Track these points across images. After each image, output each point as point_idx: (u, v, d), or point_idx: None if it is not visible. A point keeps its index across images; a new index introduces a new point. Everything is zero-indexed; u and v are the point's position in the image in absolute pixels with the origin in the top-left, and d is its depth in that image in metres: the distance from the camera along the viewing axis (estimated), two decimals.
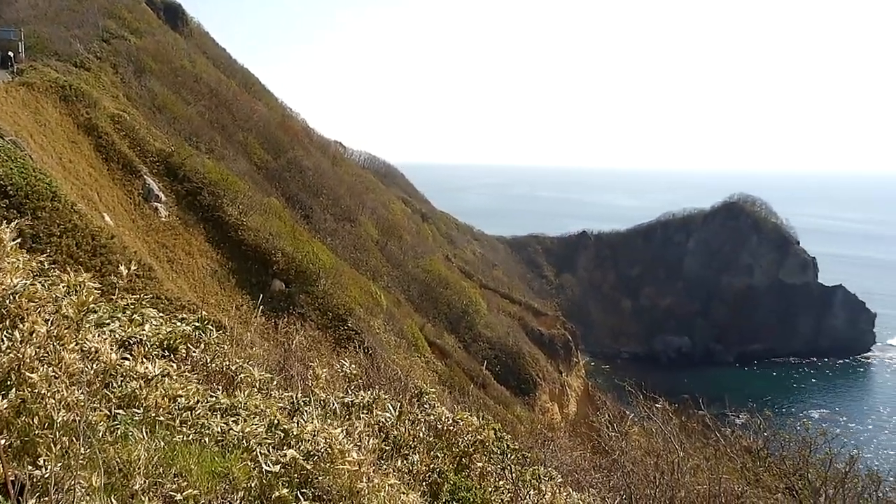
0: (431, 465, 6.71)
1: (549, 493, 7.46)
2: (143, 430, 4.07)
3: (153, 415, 4.29)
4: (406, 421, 7.05)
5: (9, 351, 3.47)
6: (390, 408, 7.11)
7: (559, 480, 9.14)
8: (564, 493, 8.22)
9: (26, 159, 21.90)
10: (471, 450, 7.40)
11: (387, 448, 6.44)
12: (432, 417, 7.49)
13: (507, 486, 7.50)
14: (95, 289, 5.23)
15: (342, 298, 35.85)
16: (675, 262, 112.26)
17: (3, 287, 3.73)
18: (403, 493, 5.65)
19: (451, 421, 7.48)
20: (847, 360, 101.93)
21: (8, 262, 4.00)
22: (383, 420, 6.79)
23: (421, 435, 7.07)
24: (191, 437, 4.38)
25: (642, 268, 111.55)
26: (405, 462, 6.53)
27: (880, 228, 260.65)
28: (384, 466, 6.15)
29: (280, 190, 50.67)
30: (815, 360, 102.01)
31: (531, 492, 7.66)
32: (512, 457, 7.89)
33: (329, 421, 6.06)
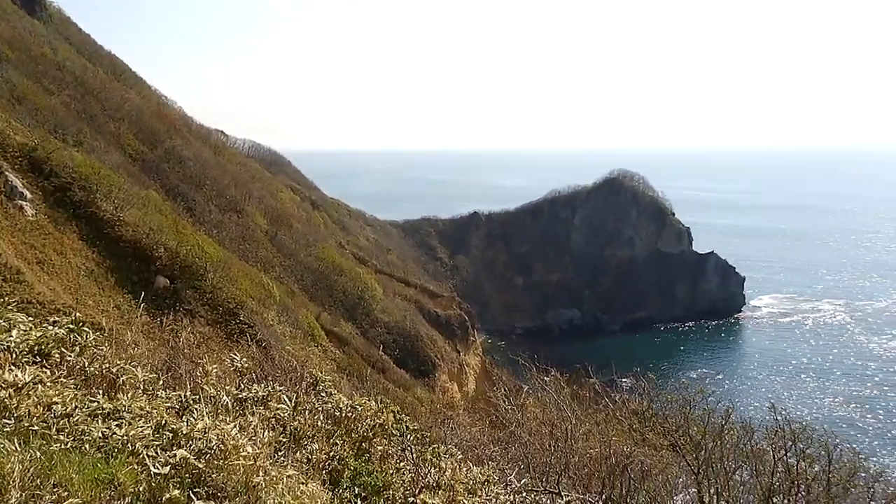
0: (331, 453, 6.67)
1: (450, 470, 7.59)
2: (16, 441, 3.81)
3: (26, 424, 4.02)
4: (303, 411, 6.97)
5: None
6: (286, 399, 7.01)
7: (459, 456, 9.34)
8: (465, 468, 8.40)
9: None
10: (370, 434, 7.41)
11: (284, 440, 6.34)
12: (330, 405, 7.43)
13: (408, 467, 7.58)
14: None
15: (232, 292, 34.74)
16: (563, 237, 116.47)
17: None
18: (302, 483, 5.60)
19: (349, 407, 7.46)
20: (721, 322, 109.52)
21: None
22: (279, 412, 6.68)
23: (319, 424, 7.00)
24: (69, 444, 4.14)
25: (532, 245, 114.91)
26: (303, 452, 6.46)
27: (745, 198, 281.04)
28: (281, 459, 6.06)
29: (159, 182, 48.26)
30: (692, 323, 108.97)
31: (432, 469, 7.78)
32: (411, 437, 7.96)
33: (221, 417, 5.90)
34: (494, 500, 8.09)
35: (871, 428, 68.56)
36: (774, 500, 11.37)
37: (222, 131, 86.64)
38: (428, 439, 8.85)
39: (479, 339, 72.66)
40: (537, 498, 9.79)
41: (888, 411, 72.49)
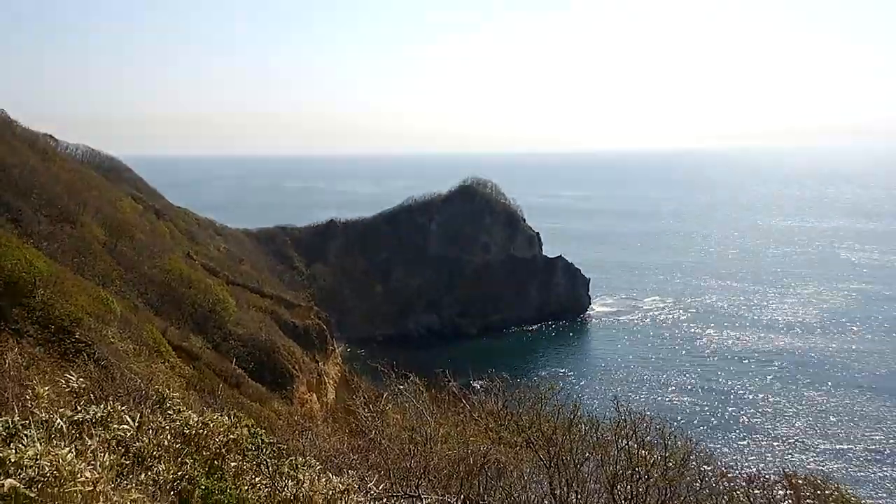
0: (180, 473, 6.36)
1: (308, 481, 7.48)
2: None
3: None
4: (148, 431, 6.59)
5: None
6: (128, 419, 6.60)
7: (318, 467, 9.21)
8: (324, 479, 8.31)
9: None
10: (223, 450, 7.15)
11: (127, 462, 5.97)
12: (178, 423, 7.09)
13: (264, 481, 7.38)
14: None
15: (66, 308, 32.04)
16: (421, 243, 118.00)
17: None
18: None
19: (199, 424, 7.14)
20: (569, 322, 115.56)
21: None
22: (121, 433, 6.28)
23: (166, 443, 6.66)
24: None
25: (391, 251, 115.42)
26: (149, 474, 6.12)
27: (588, 204, 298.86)
28: (125, 482, 5.70)
29: None
30: (543, 324, 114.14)
31: (289, 482, 7.62)
32: (267, 451, 7.77)
33: (55, 442, 5.47)
34: None
35: (701, 415, 75.10)
36: (619, 486, 12.15)
37: (51, 136, 79.74)
38: (285, 452, 8.66)
39: (338, 348, 71.85)
40: (398, 503, 9.87)
41: (717, 398, 79.78)
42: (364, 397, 13.29)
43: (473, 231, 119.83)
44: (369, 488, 9.66)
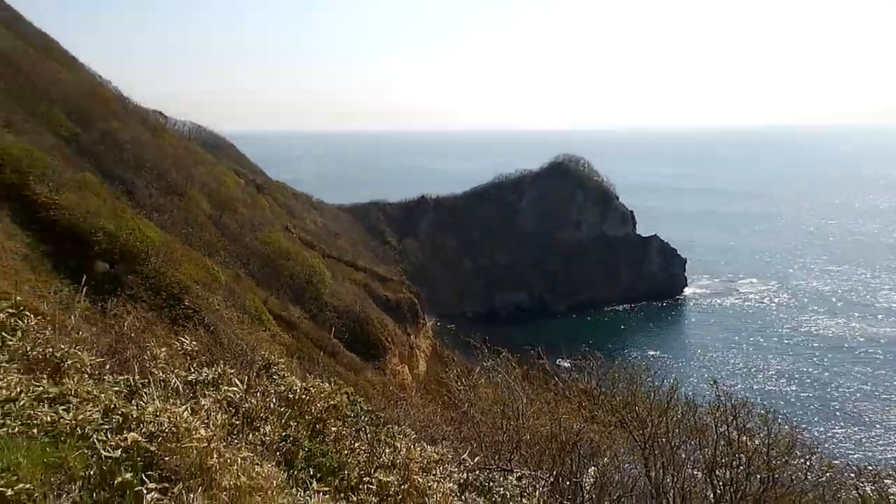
0: (284, 435, 6.62)
1: (404, 449, 7.62)
2: None
3: None
4: (255, 393, 6.89)
5: None
6: (237, 382, 6.91)
7: (413, 436, 9.39)
8: (419, 448, 8.45)
9: None
10: (324, 415, 7.38)
11: (237, 422, 6.26)
12: (282, 388, 7.37)
13: (363, 447, 7.58)
14: None
15: (176, 276, 33.93)
16: (510, 221, 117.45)
17: None
18: (257, 465, 5.54)
19: (302, 389, 7.40)
20: (663, 303, 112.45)
21: None
22: (231, 395, 6.59)
23: (272, 406, 6.94)
24: (16, 429, 4.01)
25: (481, 228, 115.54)
26: (257, 434, 6.39)
27: (686, 182, 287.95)
28: (235, 441, 5.98)
29: (94, 164, 46.55)
30: (635, 304, 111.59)
31: (386, 449, 7.80)
32: (365, 418, 7.97)
33: (172, 400, 5.79)
34: (448, 478, 8.18)
35: (803, 402, 71.68)
36: (717, 472, 11.78)
37: (161, 112, 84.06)
38: (382, 420, 8.87)
39: (429, 323, 72.91)
40: (490, 475, 9.93)
41: (820, 386, 75.89)
42: (457, 371, 13.41)
43: (565, 208, 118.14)
44: (463, 459, 9.78)
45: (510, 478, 9.70)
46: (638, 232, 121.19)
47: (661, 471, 11.34)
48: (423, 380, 49.84)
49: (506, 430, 10.55)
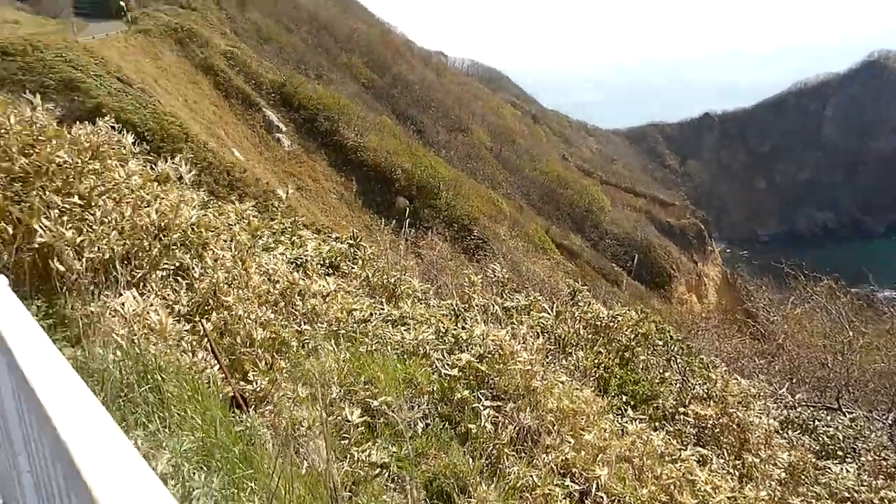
0: (596, 361, 6.63)
1: (720, 381, 7.21)
2: (330, 342, 4.18)
3: (334, 328, 4.40)
4: (565, 320, 6.97)
5: (203, 277, 3.61)
6: (547, 309, 7.05)
7: (723, 368, 8.86)
8: (733, 381, 7.96)
9: (156, 105, 23.03)
10: (632, 344, 7.25)
11: (551, 347, 6.41)
12: (589, 315, 7.37)
13: (674, 377, 7.33)
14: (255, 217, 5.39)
15: (465, 209, 36.03)
16: (812, 131, 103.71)
17: (185, 218, 3.85)
18: (577, 389, 5.61)
19: (609, 317, 7.33)
20: None
21: (187, 195, 4.13)
22: (542, 321, 6.74)
23: (581, 333, 6.99)
24: (372, 347, 4.47)
25: (774, 142, 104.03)
26: (570, 360, 6.49)
27: None
28: (551, 365, 6.13)
29: (389, 107, 50.82)
30: None
31: (699, 381, 7.45)
32: (676, 348, 7.67)
33: (491, 324, 6.07)
34: (766, 413, 7.60)
35: None
36: None
37: (442, 52, 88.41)
38: (693, 350, 8.49)
39: (717, 249, 68.58)
40: (814, 413, 9.04)
41: None
42: (766, 300, 12.31)
43: (879, 114, 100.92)
44: (780, 395, 9.02)
45: (839, 418, 8.74)
46: None
47: None
48: (713, 309, 47.24)
49: (831, 366, 9.46)
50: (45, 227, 4.04)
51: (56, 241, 3.98)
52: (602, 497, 4.43)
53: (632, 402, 6.51)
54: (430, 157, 41.97)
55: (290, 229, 6.28)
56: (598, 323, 7.39)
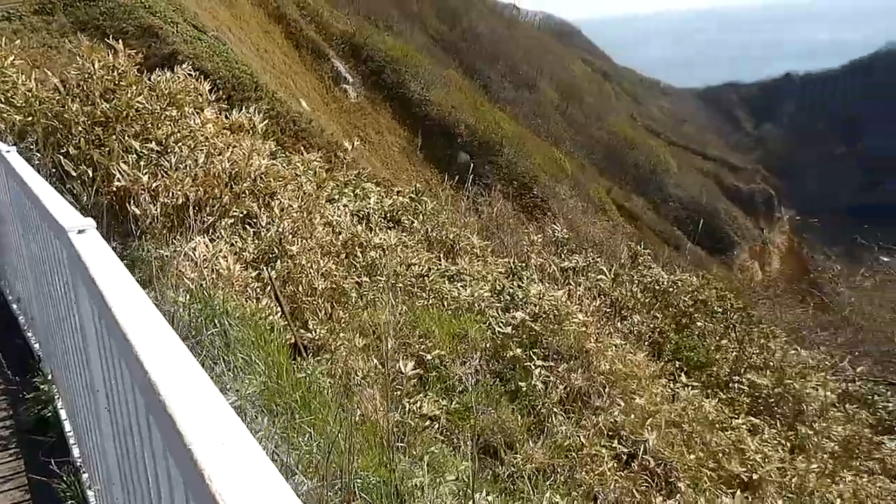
0: (652, 326, 6.61)
1: (779, 351, 7.10)
2: (388, 295, 4.31)
3: (393, 282, 4.52)
4: (623, 283, 6.94)
5: (270, 226, 3.76)
6: (605, 271, 7.03)
7: (783, 338, 8.68)
8: (792, 352, 7.81)
9: (229, 53, 23.40)
10: (691, 310, 7.18)
11: (606, 310, 6.41)
12: (648, 279, 7.31)
13: (731, 345, 7.24)
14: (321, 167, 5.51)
15: (526, 166, 35.65)
16: None
17: (255, 168, 3.99)
18: (630, 353, 5.62)
19: (668, 282, 7.26)
20: None
21: (258, 145, 4.26)
22: (600, 283, 6.74)
23: (638, 296, 6.95)
24: (429, 301, 4.58)
25: (861, 107, 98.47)
26: (625, 323, 6.49)
27: None
28: (607, 328, 6.14)
29: (457, 61, 50.24)
30: None
31: (756, 350, 7.35)
32: (735, 316, 7.56)
33: (548, 284, 6.11)
34: (824, 385, 7.45)
35: None
36: None
37: (514, 4, 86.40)
38: (754, 319, 8.34)
39: (786, 217, 66.21)
40: (874, 388, 8.82)
41: None
42: (833, 270, 11.91)
43: None
44: (841, 367, 8.80)
45: None
46: None
47: None
48: (776, 278, 45.88)
49: None
50: (123, 171, 4.25)
51: (133, 185, 4.19)
52: (649, 460, 4.48)
53: (685, 368, 6.49)
54: (494, 112, 41.52)
55: (354, 181, 6.40)
56: (657, 287, 7.33)
